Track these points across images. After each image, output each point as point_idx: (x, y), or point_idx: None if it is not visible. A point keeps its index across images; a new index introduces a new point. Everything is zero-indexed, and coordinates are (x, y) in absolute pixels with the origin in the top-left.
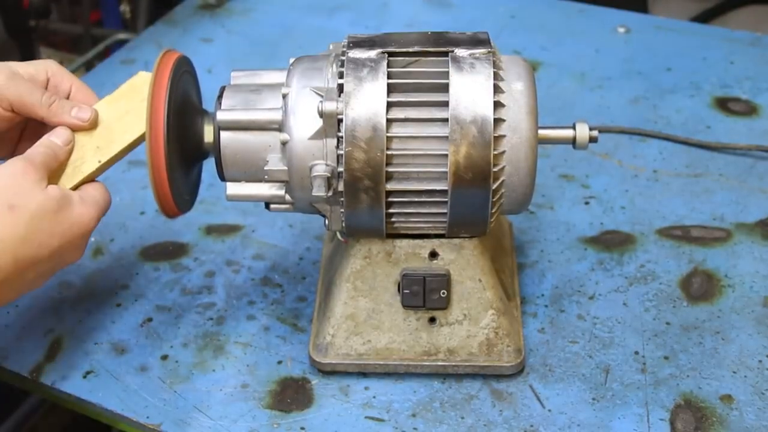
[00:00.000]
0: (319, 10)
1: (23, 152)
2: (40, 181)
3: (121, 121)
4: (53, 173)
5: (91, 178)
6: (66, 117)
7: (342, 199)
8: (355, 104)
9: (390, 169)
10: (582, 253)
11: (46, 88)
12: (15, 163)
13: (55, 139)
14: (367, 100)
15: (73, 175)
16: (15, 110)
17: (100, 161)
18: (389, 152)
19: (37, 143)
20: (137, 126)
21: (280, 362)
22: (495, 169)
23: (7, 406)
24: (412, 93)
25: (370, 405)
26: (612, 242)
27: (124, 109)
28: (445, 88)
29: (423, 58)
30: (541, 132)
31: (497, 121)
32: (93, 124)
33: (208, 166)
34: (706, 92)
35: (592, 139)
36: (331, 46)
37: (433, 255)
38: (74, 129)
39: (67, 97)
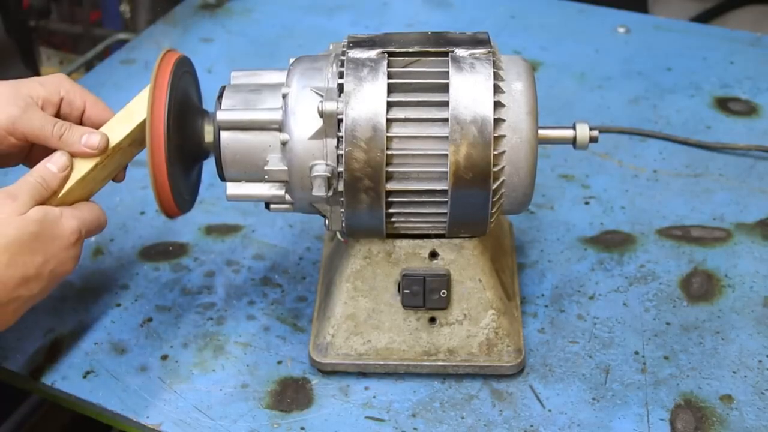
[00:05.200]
0: (319, 10)
1: (37, 159)
2: (20, 207)
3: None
4: (53, 195)
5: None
6: (77, 146)
7: (342, 199)
8: (355, 104)
9: (390, 169)
10: (582, 253)
11: (60, 107)
12: None
13: (51, 165)
14: (367, 100)
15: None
16: (28, 140)
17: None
18: (389, 152)
19: (31, 171)
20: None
21: (280, 362)
22: (495, 169)
23: (7, 406)
24: (412, 93)
25: (370, 405)
26: (612, 242)
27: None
28: (445, 88)
29: (423, 58)
30: (541, 132)
31: (497, 121)
32: (103, 150)
33: (208, 166)
34: (706, 92)
35: (592, 139)
36: (331, 46)
37: (433, 255)
38: (86, 157)
39: (82, 114)
